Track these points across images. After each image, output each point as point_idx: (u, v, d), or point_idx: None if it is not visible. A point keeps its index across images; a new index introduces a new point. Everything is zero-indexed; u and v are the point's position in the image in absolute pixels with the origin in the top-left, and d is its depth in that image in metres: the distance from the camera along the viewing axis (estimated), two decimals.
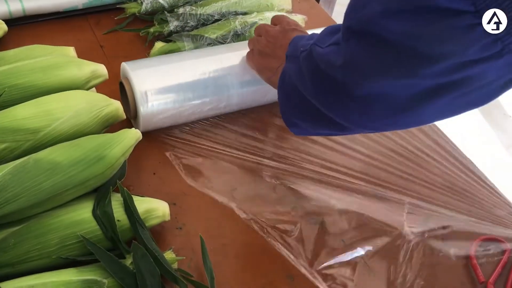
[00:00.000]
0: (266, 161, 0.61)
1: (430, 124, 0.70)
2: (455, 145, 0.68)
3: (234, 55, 0.63)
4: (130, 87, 0.58)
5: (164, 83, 0.58)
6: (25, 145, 0.48)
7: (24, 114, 0.49)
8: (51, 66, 0.55)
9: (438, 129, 0.70)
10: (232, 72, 0.61)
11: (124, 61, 0.60)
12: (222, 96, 0.61)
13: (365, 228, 0.57)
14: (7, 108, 0.50)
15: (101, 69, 0.57)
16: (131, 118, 0.60)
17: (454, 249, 0.56)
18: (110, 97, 0.55)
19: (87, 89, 0.57)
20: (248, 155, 0.61)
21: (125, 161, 0.51)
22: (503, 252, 0.56)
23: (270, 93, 0.64)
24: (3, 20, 0.68)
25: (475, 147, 1.67)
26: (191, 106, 0.60)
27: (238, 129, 0.64)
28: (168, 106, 0.59)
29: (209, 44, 0.68)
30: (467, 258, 0.56)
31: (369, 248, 0.55)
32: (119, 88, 0.61)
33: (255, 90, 0.63)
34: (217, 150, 0.61)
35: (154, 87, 0.58)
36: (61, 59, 0.56)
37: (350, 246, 0.55)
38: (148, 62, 0.61)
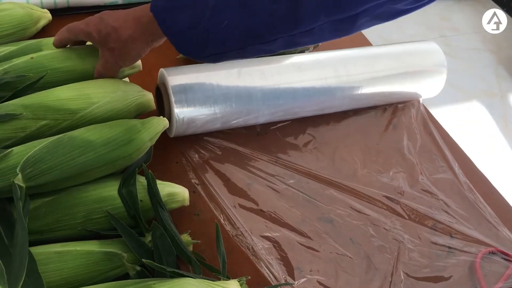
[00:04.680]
0: (285, 161, 0.63)
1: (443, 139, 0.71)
2: (467, 157, 0.70)
3: (270, 68, 0.64)
4: (167, 93, 0.59)
5: (201, 92, 0.59)
6: (63, 124, 0.52)
7: (66, 95, 0.52)
8: (90, 54, 0.59)
9: (453, 140, 0.72)
10: (266, 84, 0.62)
11: (156, 54, 0.63)
12: (256, 107, 0.62)
13: (371, 237, 0.58)
14: (47, 89, 0.54)
15: None
16: None
17: (458, 260, 0.57)
18: (142, 87, 0.58)
19: (121, 78, 0.60)
20: (272, 158, 0.63)
21: (151, 146, 0.54)
22: (508, 265, 0.58)
23: (306, 108, 0.66)
24: (48, 9, 0.73)
25: (489, 162, 1.67)
26: (226, 116, 0.61)
27: (266, 137, 0.66)
28: (202, 115, 0.60)
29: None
30: (472, 269, 0.57)
31: (372, 257, 0.56)
32: (155, 92, 0.63)
33: (291, 103, 0.64)
34: (239, 151, 0.63)
35: (191, 96, 0.59)
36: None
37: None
38: (186, 69, 0.62)
